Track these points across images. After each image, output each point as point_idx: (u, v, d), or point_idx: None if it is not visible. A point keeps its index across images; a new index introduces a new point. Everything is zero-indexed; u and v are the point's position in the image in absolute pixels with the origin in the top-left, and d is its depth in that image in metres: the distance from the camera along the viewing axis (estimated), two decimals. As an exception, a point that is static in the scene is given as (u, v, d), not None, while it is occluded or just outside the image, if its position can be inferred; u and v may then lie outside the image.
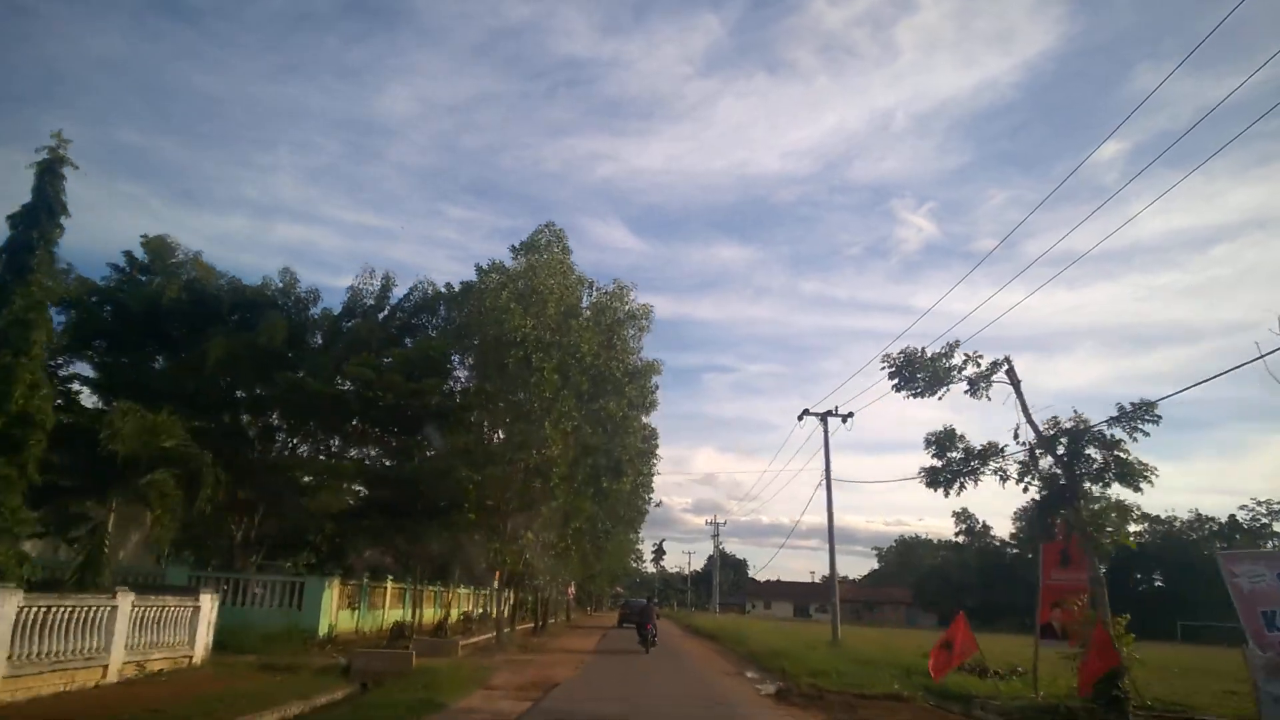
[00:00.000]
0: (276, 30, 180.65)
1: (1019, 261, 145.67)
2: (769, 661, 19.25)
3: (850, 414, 29.94)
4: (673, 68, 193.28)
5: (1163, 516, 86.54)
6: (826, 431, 30.07)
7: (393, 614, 24.46)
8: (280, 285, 21.77)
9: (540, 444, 17.23)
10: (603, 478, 20.10)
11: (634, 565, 71.42)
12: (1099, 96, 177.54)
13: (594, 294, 21.47)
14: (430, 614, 28.18)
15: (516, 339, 17.23)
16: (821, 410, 30.11)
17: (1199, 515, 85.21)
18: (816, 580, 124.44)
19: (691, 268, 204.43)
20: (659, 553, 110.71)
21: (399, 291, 23.81)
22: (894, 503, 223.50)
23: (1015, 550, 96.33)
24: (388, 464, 20.42)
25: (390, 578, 22.88)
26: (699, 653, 24.75)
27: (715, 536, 72.94)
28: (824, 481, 29.64)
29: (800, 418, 30.83)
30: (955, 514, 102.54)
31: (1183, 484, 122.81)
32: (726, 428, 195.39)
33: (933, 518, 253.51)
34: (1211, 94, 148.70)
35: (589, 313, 20.93)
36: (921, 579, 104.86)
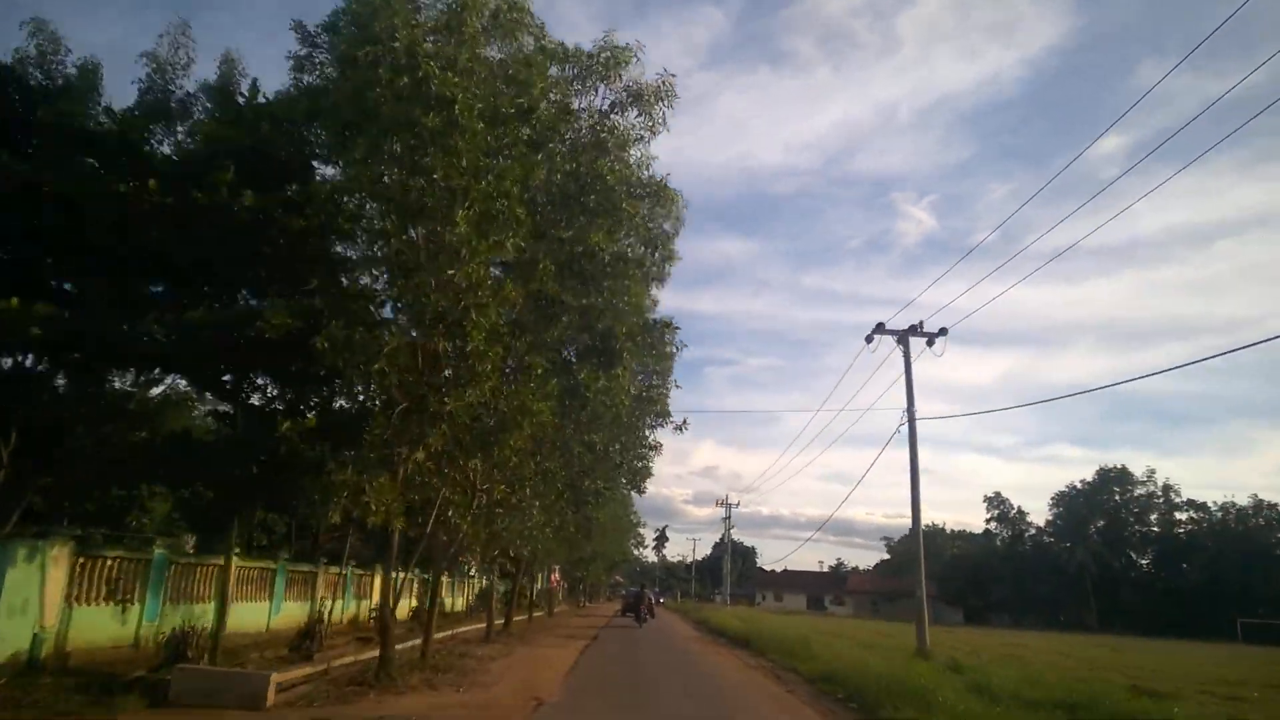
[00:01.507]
0: (273, 26, 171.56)
1: (1021, 257, 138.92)
2: (888, 712, 10.33)
3: (942, 330, 21.32)
4: (674, 61, 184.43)
5: (1212, 505, 77.54)
6: (908, 353, 21.52)
7: (254, 610, 15.64)
8: (33, 54, 12.74)
9: (448, 263, 8.17)
10: (578, 364, 10.93)
11: (634, 551, 61.98)
12: (1102, 91, 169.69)
13: (572, 69, 12.39)
14: (339, 608, 19.37)
15: (400, 59, 8.24)
16: (900, 327, 21.71)
17: (1259, 502, 76.15)
18: (825, 570, 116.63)
19: (693, 261, 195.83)
20: (661, 539, 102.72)
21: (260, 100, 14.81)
22: (896, 497, 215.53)
23: (1051, 539, 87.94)
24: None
25: (237, 551, 13.83)
26: (738, 676, 15.50)
27: (726, 519, 64.04)
28: (905, 421, 20.93)
29: (869, 339, 22.26)
30: (987, 499, 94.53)
31: (1186, 480, 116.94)
32: (728, 421, 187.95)
33: (934, 510, 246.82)
34: (1214, 90, 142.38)
35: (556, 95, 11.80)
36: (942, 570, 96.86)
